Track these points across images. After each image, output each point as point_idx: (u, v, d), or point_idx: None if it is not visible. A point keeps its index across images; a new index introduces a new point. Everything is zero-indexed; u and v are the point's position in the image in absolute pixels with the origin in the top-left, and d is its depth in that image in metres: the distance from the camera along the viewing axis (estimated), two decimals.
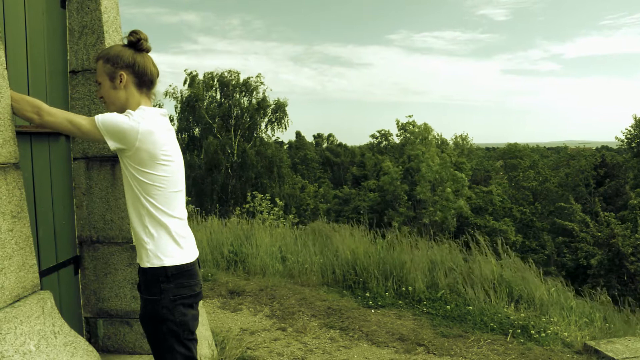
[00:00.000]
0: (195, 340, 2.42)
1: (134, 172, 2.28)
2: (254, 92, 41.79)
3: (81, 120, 2.26)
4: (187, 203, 10.50)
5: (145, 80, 2.42)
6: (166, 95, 41.92)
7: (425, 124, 43.63)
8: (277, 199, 11.04)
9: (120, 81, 2.36)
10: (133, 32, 2.41)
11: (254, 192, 11.29)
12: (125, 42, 2.43)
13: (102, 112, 3.37)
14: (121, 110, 2.37)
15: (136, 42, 2.40)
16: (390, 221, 34.82)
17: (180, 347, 2.34)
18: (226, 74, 41.89)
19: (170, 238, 2.34)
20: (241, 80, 41.92)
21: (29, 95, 2.84)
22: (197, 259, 2.48)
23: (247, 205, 10.61)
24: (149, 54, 2.49)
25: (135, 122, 2.22)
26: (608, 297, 6.69)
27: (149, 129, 2.24)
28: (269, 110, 41.56)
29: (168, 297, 2.29)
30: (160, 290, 2.29)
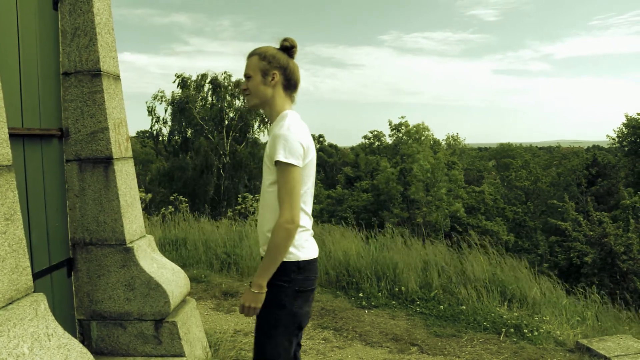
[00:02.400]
0: (297, 339, 2.57)
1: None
2: None
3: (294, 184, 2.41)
4: (181, 202, 10.48)
5: (292, 84, 2.62)
6: (155, 98, 41.81)
7: (418, 125, 43.72)
8: None
9: (272, 79, 2.55)
10: (287, 39, 2.61)
11: (244, 194, 11.26)
12: (278, 46, 2.62)
13: (93, 114, 3.38)
14: (262, 105, 2.60)
15: (290, 48, 2.61)
16: (384, 222, 34.83)
17: (284, 339, 2.48)
18: (220, 77, 41.86)
19: (304, 233, 2.52)
20: (232, 81, 41.88)
21: (21, 97, 2.84)
22: None
23: (239, 207, 10.59)
24: None
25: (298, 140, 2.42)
26: (599, 296, 6.73)
27: (307, 144, 2.46)
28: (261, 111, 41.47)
29: (294, 287, 2.46)
30: (290, 279, 2.45)
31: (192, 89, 41.59)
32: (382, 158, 43.88)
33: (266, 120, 41.88)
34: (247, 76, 2.58)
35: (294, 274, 2.46)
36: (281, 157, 2.36)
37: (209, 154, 39.09)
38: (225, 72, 42.29)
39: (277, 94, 2.57)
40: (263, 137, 42.87)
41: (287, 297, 2.46)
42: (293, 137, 2.40)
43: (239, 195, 12.00)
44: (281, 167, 2.38)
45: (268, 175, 2.49)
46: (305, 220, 2.52)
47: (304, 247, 2.51)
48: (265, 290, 2.43)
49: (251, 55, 2.59)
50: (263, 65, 2.54)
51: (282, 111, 2.58)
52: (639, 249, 16.57)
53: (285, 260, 2.43)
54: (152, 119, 42.16)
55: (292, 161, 2.37)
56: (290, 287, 2.45)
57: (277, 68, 2.55)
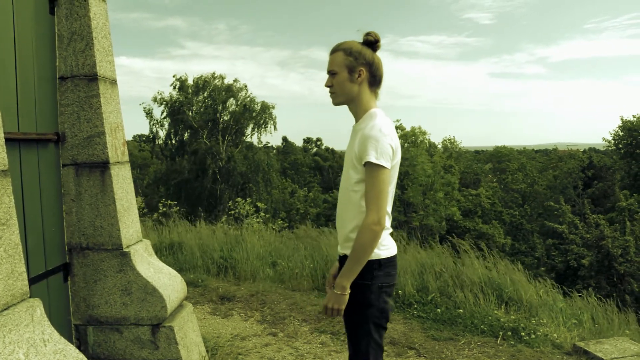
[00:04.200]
0: (385, 331, 2.62)
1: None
2: (240, 96, 41.81)
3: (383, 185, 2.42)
4: (173, 206, 10.47)
5: (377, 80, 2.58)
6: (154, 100, 41.80)
7: (414, 128, 43.74)
8: (258, 203, 10.98)
9: (359, 76, 2.51)
10: (370, 33, 2.55)
11: (236, 199, 11.26)
12: (361, 40, 2.57)
13: (90, 118, 3.37)
14: (347, 102, 2.58)
15: (374, 43, 2.55)
16: None
17: (376, 334, 2.53)
18: (211, 77, 41.85)
19: (386, 232, 2.54)
20: (225, 83, 41.96)
21: (17, 102, 2.84)
22: None
23: (232, 212, 10.59)
24: None
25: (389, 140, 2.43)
26: (597, 298, 6.72)
27: (395, 146, 2.47)
28: (254, 114, 41.56)
29: (377, 284, 2.49)
30: (372, 276, 2.48)
31: (189, 91, 41.62)
32: None
33: (261, 123, 41.90)
34: (331, 72, 2.55)
35: (376, 272, 2.49)
36: (372, 158, 2.36)
37: (205, 157, 39.09)
38: (220, 75, 42.37)
39: (363, 90, 2.55)
40: (255, 140, 42.98)
41: (372, 294, 2.49)
42: (384, 139, 2.39)
43: (231, 201, 12.00)
44: (371, 169, 2.38)
45: (354, 174, 2.49)
46: (388, 220, 2.52)
47: (385, 245, 2.54)
48: (348, 291, 2.46)
49: (335, 50, 2.56)
50: (349, 61, 2.51)
51: (369, 109, 2.56)
52: (636, 251, 16.60)
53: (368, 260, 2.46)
54: (150, 122, 42.20)
55: (383, 163, 2.37)
56: (374, 284, 2.49)
57: (363, 64, 2.51)
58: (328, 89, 2.59)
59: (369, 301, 2.49)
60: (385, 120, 2.50)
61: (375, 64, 2.54)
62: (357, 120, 2.59)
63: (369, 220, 2.36)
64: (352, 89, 2.53)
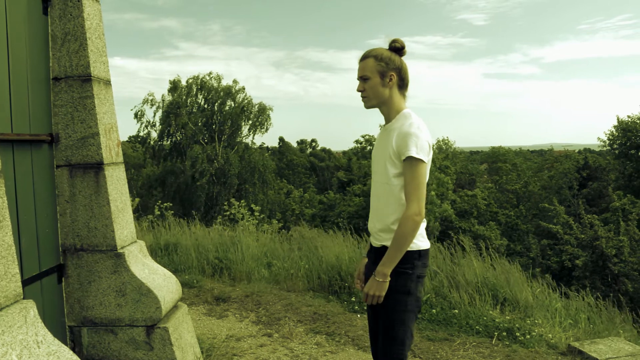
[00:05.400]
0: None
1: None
2: (236, 97, 41.79)
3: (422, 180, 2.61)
4: (169, 209, 10.45)
5: (405, 83, 2.79)
6: (145, 102, 41.73)
7: None
8: (252, 205, 10.99)
9: (390, 80, 2.71)
10: (397, 40, 2.75)
11: (231, 200, 11.25)
12: (387, 47, 2.76)
13: (84, 119, 3.36)
14: (380, 104, 2.77)
15: (401, 49, 2.75)
16: None
17: (411, 323, 2.71)
18: (207, 77, 41.80)
19: (423, 224, 2.71)
20: (223, 84, 41.93)
21: (11, 103, 2.83)
22: None
23: (227, 213, 10.58)
24: None
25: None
26: (592, 298, 6.74)
27: (431, 143, 2.66)
28: (251, 115, 41.56)
29: (416, 273, 2.67)
30: (413, 265, 2.66)
31: (183, 92, 41.56)
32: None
33: (257, 125, 41.90)
34: (364, 78, 2.73)
35: (416, 261, 2.66)
36: (413, 153, 2.55)
37: (201, 159, 39.04)
38: (217, 75, 42.32)
39: (394, 93, 2.74)
40: (250, 141, 42.97)
41: (412, 283, 2.66)
42: (422, 136, 2.60)
43: (228, 201, 11.98)
44: (412, 163, 2.57)
45: (392, 169, 2.66)
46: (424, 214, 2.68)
47: (423, 236, 2.73)
48: (389, 279, 2.62)
49: (366, 57, 2.73)
50: (381, 67, 2.69)
51: (402, 109, 2.76)
52: (630, 251, 16.65)
53: (408, 249, 2.61)
54: (141, 124, 42.13)
55: (422, 157, 2.57)
56: (414, 273, 2.66)
57: (393, 69, 2.70)
58: (359, 93, 2.77)
59: (409, 289, 2.66)
60: (420, 120, 2.69)
61: (403, 69, 2.74)
62: (388, 121, 2.79)
63: (410, 212, 2.55)
64: (384, 92, 2.72)
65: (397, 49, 2.74)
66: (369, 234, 3.01)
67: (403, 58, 2.78)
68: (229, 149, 40.84)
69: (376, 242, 2.80)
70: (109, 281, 3.46)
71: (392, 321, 2.68)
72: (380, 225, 2.75)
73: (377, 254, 2.76)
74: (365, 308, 5.79)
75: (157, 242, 8.35)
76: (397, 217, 2.65)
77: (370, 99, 2.75)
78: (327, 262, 6.79)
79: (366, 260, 2.97)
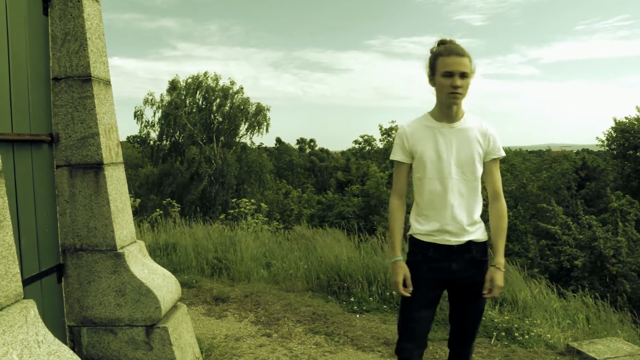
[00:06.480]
0: None
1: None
2: (236, 98, 41.78)
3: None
4: (172, 207, 10.46)
5: None
6: (146, 102, 41.71)
7: None
8: (261, 204, 11.02)
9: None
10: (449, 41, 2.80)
11: (237, 201, 11.25)
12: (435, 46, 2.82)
13: (84, 119, 3.36)
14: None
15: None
16: (374, 226, 34.77)
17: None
18: (203, 77, 41.79)
19: None
20: (220, 85, 41.92)
21: (11, 103, 2.83)
22: None
23: (232, 211, 10.57)
24: None
25: None
26: (590, 298, 6.76)
27: None
28: (249, 115, 41.55)
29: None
30: (488, 254, 2.84)
31: (181, 92, 41.54)
32: (372, 163, 43.76)
33: (254, 125, 41.83)
34: (464, 75, 2.67)
35: (488, 250, 2.85)
36: (502, 152, 2.76)
37: (199, 159, 39.02)
38: (215, 75, 42.30)
39: None
40: (248, 141, 42.96)
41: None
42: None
43: (233, 200, 11.98)
44: (498, 161, 2.77)
45: (480, 167, 2.76)
46: None
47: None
48: None
49: (464, 54, 2.69)
50: (473, 66, 2.74)
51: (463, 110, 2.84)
52: (628, 252, 16.66)
53: (484, 239, 2.80)
54: (141, 124, 42.12)
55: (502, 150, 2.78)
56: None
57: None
58: (452, 88, 2.67)
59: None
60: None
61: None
62: (453, 119, 2.77)
63: (505, 204, 2.79)
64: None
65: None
66: (405, 235, 3.01)
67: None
68: (226, 149, 40.82)
69: (456, 240, 2.76)
70: (108, 281, 3.46)
71: (479, 317, 2.96)
72: (470, 220, 2.78)
73: (459, 250, 2.77)
74: (365, 308, 5.80)
75: (156, 242, 8.35)
76: (480, 211, 2.79)
77: (464, 96, 2.72)
78: (326, 262, 6.80)
79: (404, 263, 2.89)
